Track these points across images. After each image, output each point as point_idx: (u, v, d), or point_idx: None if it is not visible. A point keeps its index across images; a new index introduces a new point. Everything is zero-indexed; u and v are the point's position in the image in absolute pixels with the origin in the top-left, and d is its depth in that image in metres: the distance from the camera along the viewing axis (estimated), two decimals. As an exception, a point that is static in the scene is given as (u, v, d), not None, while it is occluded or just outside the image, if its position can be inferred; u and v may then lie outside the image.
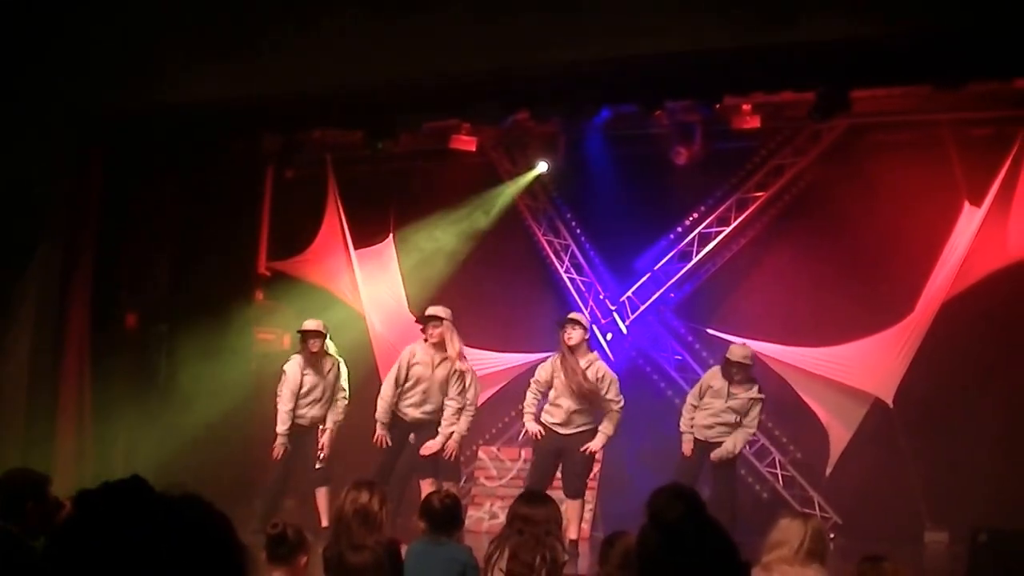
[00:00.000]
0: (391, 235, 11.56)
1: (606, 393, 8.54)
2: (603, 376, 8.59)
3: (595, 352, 8.82)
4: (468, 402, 8.89)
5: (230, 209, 11.34)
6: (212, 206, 11.02)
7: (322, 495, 9.12)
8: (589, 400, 8.56)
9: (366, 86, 8.87)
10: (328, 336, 9.34)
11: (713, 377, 9.14)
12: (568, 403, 8.58)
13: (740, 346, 9.23)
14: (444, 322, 8.87)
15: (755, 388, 8.99)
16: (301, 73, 8.75)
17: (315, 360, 9.24)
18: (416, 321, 9.34)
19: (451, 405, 8.85)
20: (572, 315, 8.79)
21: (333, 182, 11.69)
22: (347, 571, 4.60)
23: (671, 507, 3.25)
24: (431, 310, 9.13)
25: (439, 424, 8.86)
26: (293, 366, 9.25)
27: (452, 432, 8.82)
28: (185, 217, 10.96)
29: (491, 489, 10.34)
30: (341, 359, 9.42)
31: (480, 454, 10.72)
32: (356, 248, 11.50)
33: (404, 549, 5.15)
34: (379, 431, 8.87)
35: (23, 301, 9.44)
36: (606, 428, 8.57)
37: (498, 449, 10.66)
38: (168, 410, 10.60)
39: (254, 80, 8.92)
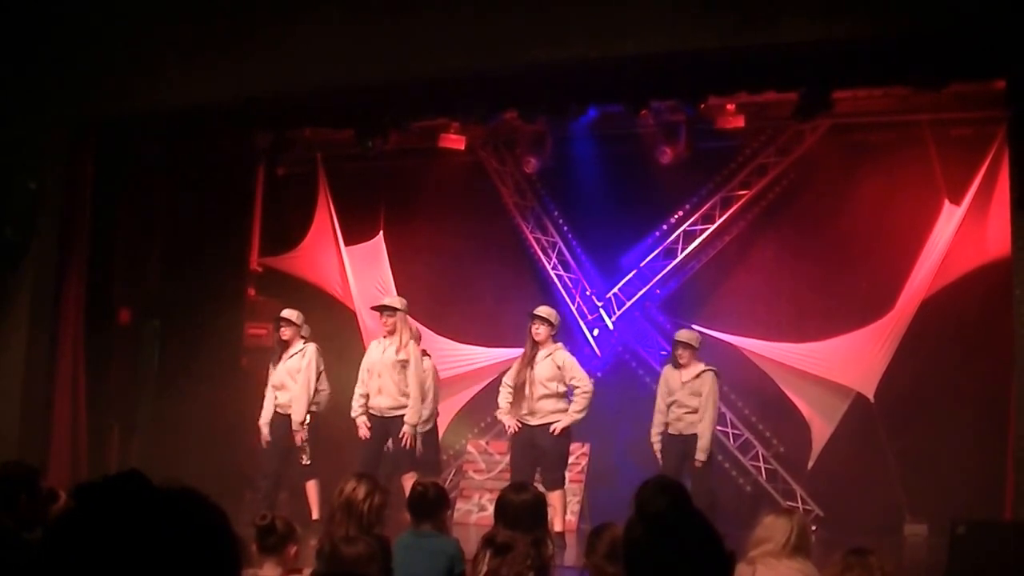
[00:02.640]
0: (381, 232, 11.67)
1: (574, 380, 8.68)
2: (563, 364, 8.71)
3: (560, 344, 8.91)
4: (416, 393, 8.87)
5: (222, 206, 11.42)
6: (204, 203, 11.10)
7: (312, 488, 9.22)
8: (541, 389, 8.66)
9: (355, 85, 8.96)
10: (300, 326, 9.45)
11: (668, 375, 9.23)
12: (528, 394, 8.69)
13: (687, 330, 9.42)
14: (397, 312, 8.99)
15: (702, 364, 9.11)
16: (291, 72, 8.84)
17: (284, 347, 9.41)
18: (372, 309, 9.40)
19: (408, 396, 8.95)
20: (538, 310, 8.86)
21: (324, 180, 11.79)
22: (341, 562, 4.62)
23: (657, 499, 3.35)
24: (385, 300, 9.28)
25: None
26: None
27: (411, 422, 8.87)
28: (177, 214, 11.04)
29: (480, 482, 10.45)
30: (310, 347, 9.42)
31: (469, 448, 10.83)
32: (347, 245, 11.62)
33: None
34: (360, 427, 9.01)
35: (18, 297, 9.52)
36: (573, 408, 8.65)
37: (487, 443, 10.75)
38: (161, 404, 10.70)
39: (245, 79, 9.01)
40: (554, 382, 8.66)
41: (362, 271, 11.58)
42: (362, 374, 9.07)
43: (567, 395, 8.70)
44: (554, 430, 8.60)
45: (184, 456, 9.69)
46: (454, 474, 10.85)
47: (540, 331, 8.74)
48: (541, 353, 8.73)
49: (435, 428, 9.57)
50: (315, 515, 9.00)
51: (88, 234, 9.98)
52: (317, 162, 11.80)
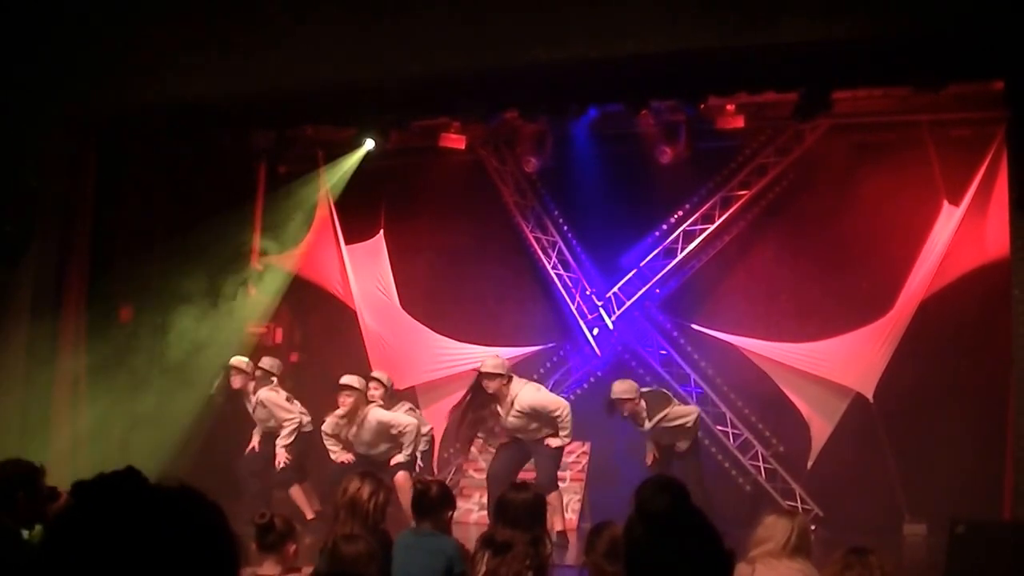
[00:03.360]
0: (381, 231, 11.68)
1: (552, 412, 8.69)
2: (532, 406, 8.70)
3: (515, 382, 8.87)
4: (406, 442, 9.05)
5: (223, 204, 11.42)
6: (205, 202, 11.11)
7: (296, 492, 9.36)
8: (525, 435, 8.80)
9: (356, 84, 8.98)
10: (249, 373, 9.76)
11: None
12: (515, 439, 8.89)
13: (619, 382, 9.41)
14: (356, 392, 9.19)
15: (649, 422, 9.18)
16: (293, 71, 8.85)
17: (247, 397, 9.77)
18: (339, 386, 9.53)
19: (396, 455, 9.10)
20: (484, 367, 8.86)
21: (324, 178, 11.79)
22: (341, 560, 4.64)
23: (657, 498, 3.34)
24: (344, 379, 9.33)
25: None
26: None
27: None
28: (178, 211, 11.04)
29: (479, 481, 10.43)
30: (261, 394, 9.66)
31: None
32: (347, 243, 11.62)
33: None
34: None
35: (19, 294, 9.54)
36: (562, 433, 8.72)
37: (486, 442, 10.76)
38: (162, 402, 10.70)
39: (246, 77, 9.02)
40: (534, 423, 8.74)
41: (362, 270, 11.59)
42: (333, 444, 9.26)
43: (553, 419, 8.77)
44: (548, 444, 8.69)
45: (184, 453, 9.72)
46: (454, 472, 10.86)
47: (490, 386, 8.75)
48: (503, 408, 8.78)
49: (430, 442, 9.73)
50: (308, 515, 9.10)
51: (89, 232, 10.00)
52: (318, 160, 11.81)
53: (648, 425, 9.17)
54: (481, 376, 8.82)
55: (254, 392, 9.67)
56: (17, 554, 4.18)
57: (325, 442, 9.30)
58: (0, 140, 9.43)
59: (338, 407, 9.15)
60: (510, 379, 8.83)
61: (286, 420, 9.52)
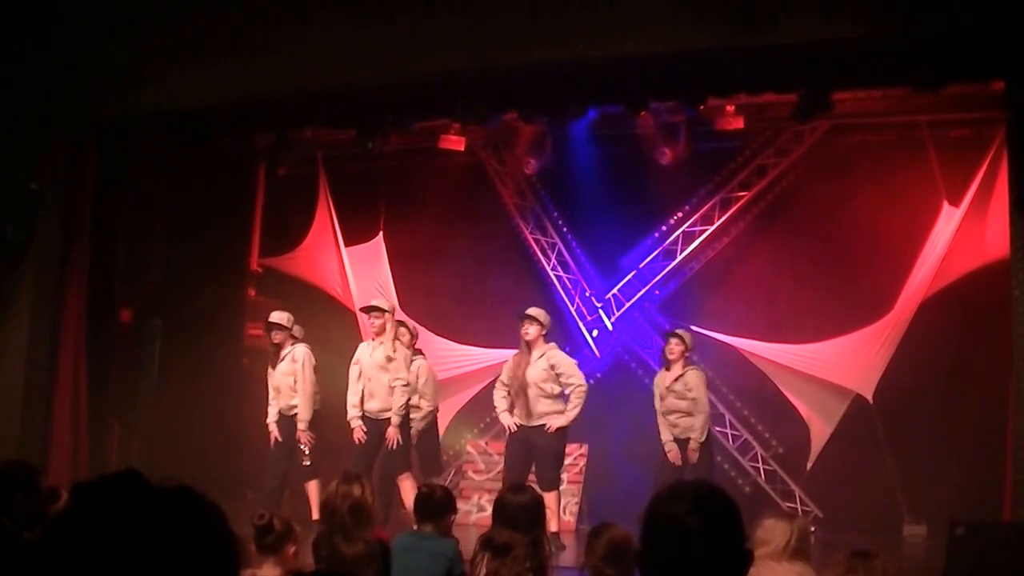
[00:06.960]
0: (381, 232, 11.69)
1: (568, 378, 8.57)
2: (556, 363, 8.61)
3: (552, 344, 8.78)
4: (398, 390, 8.75)
5: (222, 206, 11.45)
6: (205, 203, 11.13)
7: (312, 488, 9.18)
8: (536, 392, 8.57)
9: (356, 86, 8.99)
10: (290, 328, 9.34)
11: (658, 378, 9.16)
12: (523, 396, 8.62)
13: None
14: (385, 314, 8.94)
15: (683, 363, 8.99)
16: (292, 73, 8.86)
17: (276, 351, 9.32)
18: (361, 310, 9.33)
19: (395, 386, 8.81)
20: (529, 310, 8.77)
21: (324, 180, 11.81)
22: (341, 561, 4.61)
23: (675, 505, 3.30)
24: (373, 301, 9.19)
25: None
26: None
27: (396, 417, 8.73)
28: (178, 214, 11.06)
29: (479, 482, 10.46)
30: (298, 348, 9.31)
31: (468, 448, 10.84)
32: (347, 245, 11.64)
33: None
34: (355, 430, 8.84)
35: (20, 297, 9.55)
36: (569, 407, 8.55)
37: (486, 443, 10.77)
38: (161, 403, 10.72)
39: (246, 79, 9.03)
40: (548, 383, 8.57)
41: (362, 271, 11.60)
42: (352, 377, 8.94)
43: (562, 396, 8.62)
44: (549, 427, 8.48)
45: (184, 455, 9.71)
46: (453, 474, 10.86)
47: (529, 331, 8.64)
48: (534, 354, 8.64)
49: (434, 427, 9.58)
50: (315, 515, 9.00)
51: (89, 234, 10.01)
52: (318, 162, 11.83)
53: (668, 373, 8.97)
54: (523, 318, 8.68)
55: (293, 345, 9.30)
56: (15, 555, 4.17)
57: (349, 411, 8.81)
58: (1, 143, 9.43)
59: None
60: (547, 334, 8.70)
61: (312, 386, 9.18)
